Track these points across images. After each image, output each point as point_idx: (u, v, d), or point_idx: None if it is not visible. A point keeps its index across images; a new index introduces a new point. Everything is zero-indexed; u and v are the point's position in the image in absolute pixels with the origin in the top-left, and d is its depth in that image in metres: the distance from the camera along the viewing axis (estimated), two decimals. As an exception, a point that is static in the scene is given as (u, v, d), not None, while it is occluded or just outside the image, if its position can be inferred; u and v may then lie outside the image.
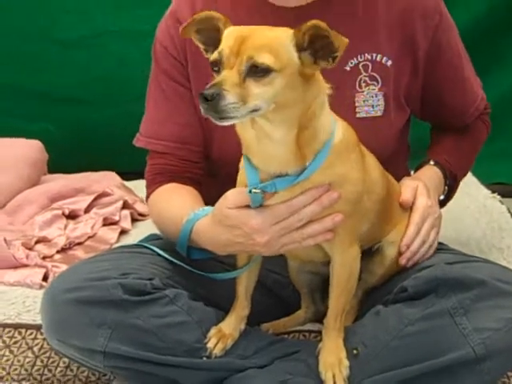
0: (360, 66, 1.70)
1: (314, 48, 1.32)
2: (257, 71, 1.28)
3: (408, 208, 1.65)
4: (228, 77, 1.28)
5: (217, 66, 1.32)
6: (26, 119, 3.35)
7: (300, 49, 1.32)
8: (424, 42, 1.72)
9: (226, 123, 1.29)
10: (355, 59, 1.70)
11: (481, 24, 3.27)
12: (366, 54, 1.70)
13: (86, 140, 3.35)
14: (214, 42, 1.37)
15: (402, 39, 1.71)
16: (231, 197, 1.45)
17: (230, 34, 1.33)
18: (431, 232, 1.64)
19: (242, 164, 1.47)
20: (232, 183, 1.50)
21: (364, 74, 1.70)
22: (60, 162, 3.05)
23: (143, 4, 3.19)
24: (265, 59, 1.28)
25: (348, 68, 1.70)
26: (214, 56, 1.32)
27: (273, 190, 1.40)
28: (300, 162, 1.39)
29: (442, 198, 1.81)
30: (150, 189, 1.79)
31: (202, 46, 1.41)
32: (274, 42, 1.31)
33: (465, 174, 1.93)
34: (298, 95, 1.34)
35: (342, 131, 1.44)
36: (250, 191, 1.40)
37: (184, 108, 1.75)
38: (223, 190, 1.49)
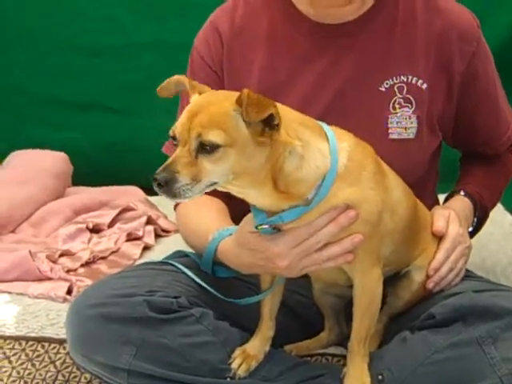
0: (395, 87, 1.70)
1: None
2: (206, 148, 1.28)
3: (439, 236, 1.64)
4: (179, 157, 1.28)
5: (173, 140, 1.33)
6: (54, 128, 3.34)
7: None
8: (460, 67, 1.72)
9: (181, 201, 1.33)
10: (391, 80, 1.70)
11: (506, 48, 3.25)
12: (402, 76, 1.70)
13: (111, 150, 3.35)
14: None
15: (439, 62, 1.71)
16: (251, 220, 1.45)
17: (187, 108, 1.34)
18: (460, 260, 1.63)
19: None
20: None
21: (399, 95, 1.70)
22: (85, 172, 3.05)
23: (175, 15, 3.21)
24: (211, 136, 1.27)
25: (383, 89, 1.70)
26: (171, 132, 1.32)
27: (280, 223, 1.40)
28: (297, 201, 1.38)
29: (470, 229, 1.80)
30: None
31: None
32: (221, 117, 1.29)
33: (494, 206, 1.92)
34: (257, 161, 1.32)
35: (347, 155, 1.41)
36: (256, 227, 1.41)
37: None
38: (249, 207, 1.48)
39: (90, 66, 3.29)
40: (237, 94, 1.30)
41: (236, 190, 1.38)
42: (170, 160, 1.29)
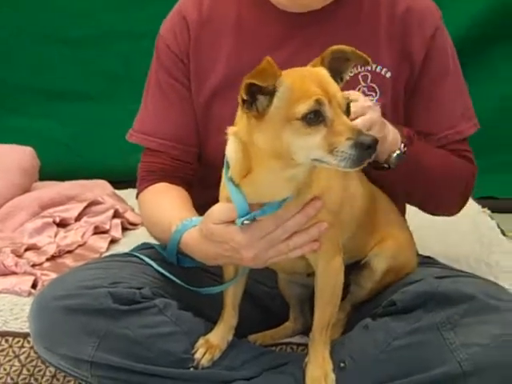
0: (359, 76, 1.71)
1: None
2: (346, 109, 1.29)
3: (396, 223, 1.65)
4: (350, 123, 1.27)
5: (314, 114, 1.25)
6: (29, 117, 3.43)
7: None
8: (419, 55, 1.72)
9: (358, 168, 1.27)
10: (355, 69, 1.70)
11: (471, 33, 3.27)
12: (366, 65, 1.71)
13: (86, 138, 3.43)
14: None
15: (401, 49, 1.71)
16: (217, 213, 1.44)
17: (304, 80, 1.28)
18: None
19: (223, 178, 1.46)
20: None
21: (363, 84, 1.71)
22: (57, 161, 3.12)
23: (148, 4, 3.23)
24: (347, 96, 1.31)
25: (347, 77, 1.70)
26: (310, 107, 1.25)
27: (262, 216, 1.39)
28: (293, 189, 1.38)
29: (397, 152, 1.62)
30: (141, 186, 1.79)
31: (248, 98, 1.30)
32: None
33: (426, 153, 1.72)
34: None
35: None
36: (242, 223, 1.38)
37: (182, 107, 1.76)
38: (214, 196, 1.49)
39: (65, 55, 3.37)
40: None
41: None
42: (354, 127, 1.25)
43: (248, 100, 1.29)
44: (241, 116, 1.35)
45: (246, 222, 1.38)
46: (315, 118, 1.25)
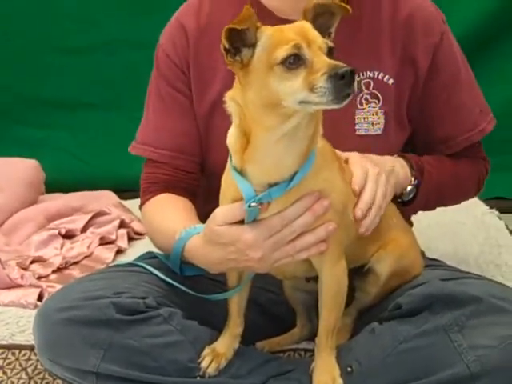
0: (362, 83, 1.70)
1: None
2: (330, 54, 1.30)
3: (398, 227, 1.64)
4: (329, 60, 1.28)
5: (293, 58, 1.28)
6: (35, 127, 3.45)
7: None
8: (424, 61, 1.71)
9: (345, 102, 1.27)
10: (357, 76, 1.69)
11: (475, 31, 3.25)
12: (368, 72, 1.70)
13: (94, 147, 3.44)
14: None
15: (405, 57, 1.71)
16: (220, 214, 1.44)
17: (283, 30, 1.33)
18: (378, 180, 1.51)
19: (225, 180, 1.46)
20: None
21: (365, 91, 1.70)
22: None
23: (152, 13, 3.23)
24: (329, 42, 1.32)
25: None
26: (288, 51, 1.28)
27: (268, 200, 1.38)
28: (297, 166, 1.37)
29: (409, 188, 1.68)
30: (144, 198, 1.78)
31: (227, 46, 1.34)
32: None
33: (440, 189, 1.77)
34: None
35: (321, 141, 1.42)
36: (250, 206, 1.38)
37: (183, 116, 1.75)
38: (217, 207, 1.48)
39: (70, 65, 3.40)
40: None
41: (306, 123, 1.34)
42: (331, 61, 1.27)
43: (230, 50, 1.33)
44: (236, 81, 1.38)
45: (253, 204, 1.37)
46: (294, 61, 1.28)
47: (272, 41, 1.31)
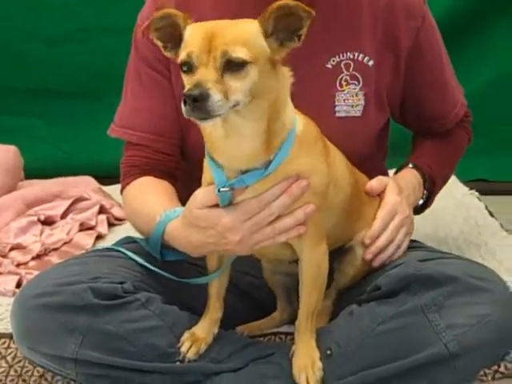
0: (342, 64, 1.69)
1: (279, 30, 1.32)
2: (233, 66, 1.27)
3: (376, 201, 1.64)
4: (207, 75, 1.26)
5: (186, 65, 1.30)
6: (13, 115, 3.43)
7: (266, 36, 1.32)
8: (406, 43, 1.72)
9: (209, 122, 1.28)
10: (337, 57, 1.69)
11: (457, 13, 3.25)
12: (348, 53, 1.69)
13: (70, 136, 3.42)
14: (171, 38, 1.36)
15: (385, 38, 1.70)
16: (200, 197, 1.43)
17: (196, 32, 1.32)
18: (400, 230, 1.61)
19: (204, 162, 1.45)
20: None
21: (345, 72, 1.69)
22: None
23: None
24: (239, 53, 1.27)
25: (329, 66, 1.69)
26: (182, 57, 1.30)
27: (242, 186, 1.38)
28: (266, 155, 1.37)
29: (421, 202, 1.80)
30: (125, 181, 1.77)
31: (160, 44, 1.39)
32: (245, 35, 1.31)
33: (445, 181, 1.92)
34: (270, 84, 1.33)
35: (302, 123, 1.42)
36: (219, 190, 1.38)
37: (162, 98, 1.74)
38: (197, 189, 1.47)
39: (47, 53, 3.38)
40: (247, 19, 1.34)
41: (238, 125, 1.34)
42: (197, 78, 1.26)
43: (166, 46, 1.38)
44: None
45: (222, 189, 1.38)
46: (188, 67, 1.30)
47: (185, 41, 1.33)
